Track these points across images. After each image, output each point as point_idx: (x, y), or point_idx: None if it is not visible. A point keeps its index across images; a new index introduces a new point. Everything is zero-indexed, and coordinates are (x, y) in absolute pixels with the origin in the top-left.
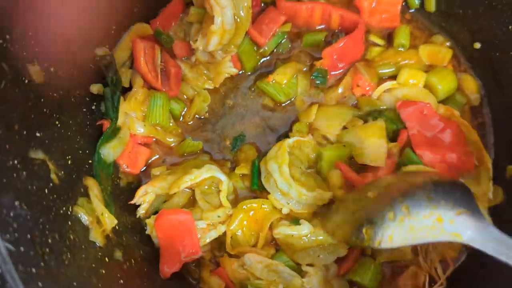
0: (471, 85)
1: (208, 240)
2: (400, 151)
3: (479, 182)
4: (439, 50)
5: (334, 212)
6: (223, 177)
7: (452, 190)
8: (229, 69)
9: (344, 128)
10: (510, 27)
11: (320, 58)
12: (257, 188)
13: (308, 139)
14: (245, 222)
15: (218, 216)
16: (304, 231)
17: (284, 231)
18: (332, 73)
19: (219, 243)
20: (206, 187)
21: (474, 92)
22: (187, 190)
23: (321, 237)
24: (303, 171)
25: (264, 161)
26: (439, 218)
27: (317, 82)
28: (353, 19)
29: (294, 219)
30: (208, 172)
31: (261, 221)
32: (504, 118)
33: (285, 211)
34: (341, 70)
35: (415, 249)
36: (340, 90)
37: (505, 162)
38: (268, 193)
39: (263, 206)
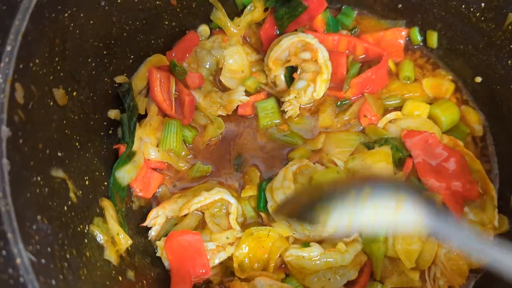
0: (474, 117)
1: (217, 262)
2: (405, 179)
3: (484, 210)
4: (442, 83)
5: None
6: (232, 200)
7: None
8: (242, 97)
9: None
10: (509, 61)
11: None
12: (263, 210)
13: (307, 162)
14: (251, 249)
15: (227, 238)
16: (314, 253)
17: (295, 252)
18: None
19: (226, 267)
20: (216, 209)
21: (477, 123)
22: (198, 213)
23: (331, 259)
24: None
25: (270, 189)
26: (400, 205)
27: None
28: (377, 51)
29: (304, 243)
30: (218, 194)
31: (268, 249)
32: (507, 148)
33: (291, 240)
34: (353, 98)
35: (423, 276)
36: (346, 117)
37: (510, 192)
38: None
39: (270, 233)
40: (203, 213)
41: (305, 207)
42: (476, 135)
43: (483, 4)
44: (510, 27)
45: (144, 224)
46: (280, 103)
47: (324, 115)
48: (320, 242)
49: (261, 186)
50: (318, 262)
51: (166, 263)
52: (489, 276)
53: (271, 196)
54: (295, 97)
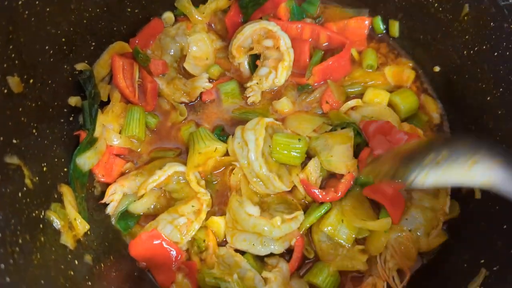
0: (432, 105)
1: (193, 233)
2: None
3: (437, 196)
4: (403, 70)
5: (377, 158)
6: (185, 169)
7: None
8: (205, 84)
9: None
10: (465, 52)
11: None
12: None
13: (280, 123)
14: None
15: (193, 206)
16: (250, 211)
17: (235, 205)
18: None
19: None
20: (174, 183)
21: (435, 112)
22: (156, 189)
23: (261, 227)
24: (270, 152)
25: (242, 129)
26: (474, 161)
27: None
28: (340, 40)
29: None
30: (170, 169)
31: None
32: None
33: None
34: (316, 84)
35: (370, 260)
36: (308, 100)
37: None
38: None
39: (217, 148)
40: (163, 189)
41: (389, 166)
42: (433, 123)
43: None
44: (466, 17)
45: (103, 201)
46: (242, 87)
47: (284, 99)
48: (266, 209)
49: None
50: (250, 222)
51: (142, 264)
52: (438, 259)
53: (241, 134)
54: (257, 83)
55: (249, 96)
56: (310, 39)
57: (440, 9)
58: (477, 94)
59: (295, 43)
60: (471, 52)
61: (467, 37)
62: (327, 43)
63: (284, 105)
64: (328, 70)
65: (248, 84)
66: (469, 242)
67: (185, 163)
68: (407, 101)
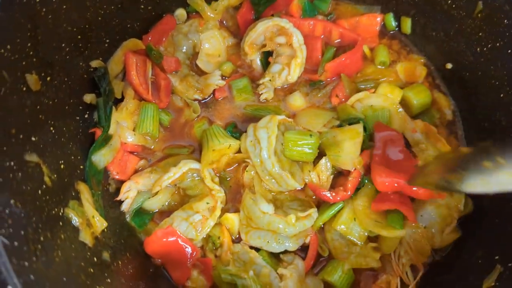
0: (444, 102)
1: (208, 230)
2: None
3: (452, 193)
4: (415, 67)
5: (425, 168)
6: (199, 166)
7: None
8: (218, 81)
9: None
10: (478, 49)
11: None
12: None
13: (292, 120)
14: (215, 160)
15: (207, 203)
16: (265, 209)
17: (249, 203)
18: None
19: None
20: (189, 180)
21: (447, 108)
22: (170, 186)
23: (275, 224)
24: (283, 150)
25: (254, 126)
26: None
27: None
28: (352, 37)
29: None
30: (185, 166)
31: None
32: (476, 133)
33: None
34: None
35: (383, 257)
36: (319, 95)
37: None
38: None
39: (231, 145)
40: (178, 186)
41: (439, 176)
42: (446, 119)
43: None
44: (479, 15)
45: (118, 199)
46: (254, 83)
47: (297, 93)
48: (280, 207)
49: (232, 124)
50: (265, 220)
51: (157, 261)
52: (451, 255)
53: (254, 132)
54: (270, 80)
55: (262, 93)
56: (322, 36)
57: (453, 6)
58: (490, 91)
59: (307, 40)
60: (485, 49)
61: (480, 34)
62: (339, 40)
63: (297, 99)
64: (340, 67)
65: (261, 81)
66: (482, 238)
67: (199, 160)
68: (420, 96)
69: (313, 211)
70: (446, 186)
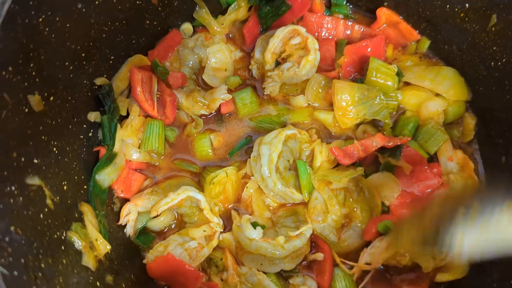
0: (470, 119)
1: (203, 259)
2: None
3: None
4: None
5: (399, 232)
6: (199, 196)
7: None
8: (224, 95)
9: None
10: (492, 63)
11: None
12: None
13: (303, 132)
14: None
15: (204, 231)
16: (253, 235)
17: (235, 229)
18: None
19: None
20: (186, 208)
21: (470, 125)
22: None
23: (264, 249)
24: (288, 166)
25: (260, 141)
26: None
27: None
28: (373, 34)
29: (255, 222)
30: (184, 193)
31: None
32: (489, 149)
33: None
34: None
35: None
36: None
37: None
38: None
39: (228, 172)
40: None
41: (416, 231)
42: (466, 140)
43: (467, 5)
44: (493, 28)
45: (119, 223)
46: (257, 94)
47: (300, 97)
48: (274, 225)
49: (247, 139)
50: (252, 246)
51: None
52: (468, 277)
53: (258, 147)
54: (278, 74)
55: (266, 87)
56: (347, 32)
57: (466, 19)
58: (504, 106)
59: (321, 44)
60: (499, 63)
61: (494, 48)
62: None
63: (300, 102)
64: (360, 50)
65: (269, 74)
66: (498, 260)
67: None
68: (455, 105)
69: (306, 229)
70: (424, 242)
